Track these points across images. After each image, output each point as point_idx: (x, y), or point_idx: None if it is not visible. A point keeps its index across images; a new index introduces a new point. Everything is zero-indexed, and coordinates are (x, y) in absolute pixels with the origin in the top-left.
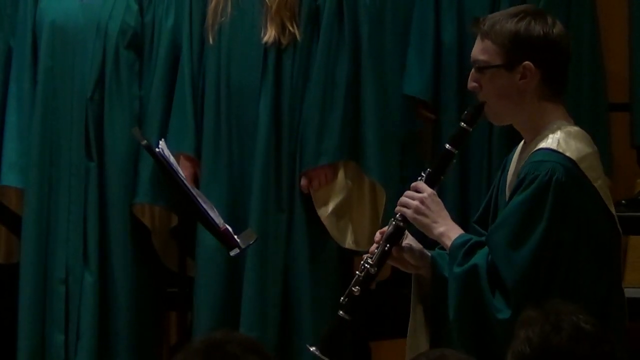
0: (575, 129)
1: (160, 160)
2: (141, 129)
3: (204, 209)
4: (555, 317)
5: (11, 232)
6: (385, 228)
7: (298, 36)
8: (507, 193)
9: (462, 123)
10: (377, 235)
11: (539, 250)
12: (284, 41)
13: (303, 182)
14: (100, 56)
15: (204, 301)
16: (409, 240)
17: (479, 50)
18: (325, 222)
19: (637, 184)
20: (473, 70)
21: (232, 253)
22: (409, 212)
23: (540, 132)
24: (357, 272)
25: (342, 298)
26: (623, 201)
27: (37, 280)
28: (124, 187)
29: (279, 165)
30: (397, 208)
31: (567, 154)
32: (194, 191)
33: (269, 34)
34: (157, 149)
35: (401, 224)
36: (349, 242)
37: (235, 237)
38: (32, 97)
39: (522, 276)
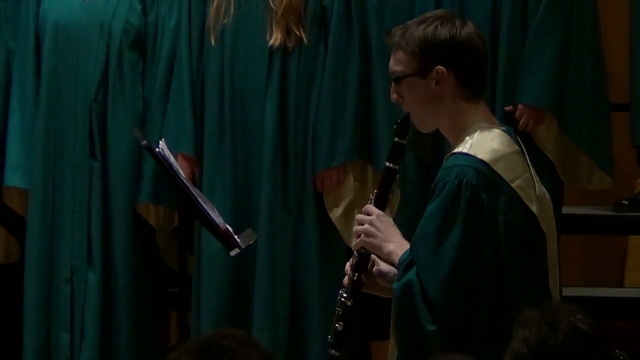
0: (494, 130)
1: (160, 160)
2: (144, 128)
3: (204, 208)
4: (552, 317)
5: (10, 232)
6: (351, 259)
7: (304, 39)
8: None
9: (395, 137)
10: (347, 267)
11: (458, 257)
12: (290, 44)
13: (317, 183)
14: (104, 56)
15: (208, 303)
16: (379, 264)
17: (394, 62)
18: (336, 224)
19: (637, 183)
20: (393, 82)
21: (232, 253)
22: (359, 239)
23: (461, 135)
24: (336, 308)
25: (329, 337)
26: (624, 201)
27: (42, 280)
28: (127, 187)
29: (286, 166)
30: (353, 235)
31: (480, 156)
32: (194, 191)
33: (275, 38)
34: (157, 149)
35: (363, 250)
36: None
37: (235, 237)
38: (35, 98)
39: (444, 284)
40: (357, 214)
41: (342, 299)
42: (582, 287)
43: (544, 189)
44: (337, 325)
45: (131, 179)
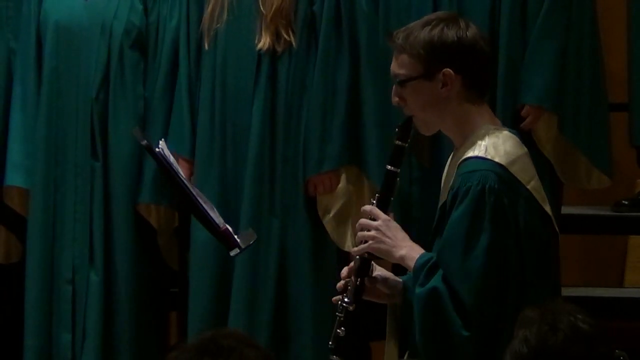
0: (503, 132)
1: (160, 160)
2: (145, 129)
3: (204, 208)
4: (553, 317)
5: (10, 232)
6: (352, 264)
7: (294, 43)
8: (441, 199)
9: (396, 141)
10: (344, 272)
11: (488, 261)
12: (279, 48)
13: (310, 188)
14: (105, 56)
15: (196, 301)
16: (378, 270)
17: (397, 65)
18: (327, 226)
19: (637, 184)
20: (395, 85)
21: (232, 253)
22: (367, 244)
23: (468, 137)
24: (337, 314)
25: (329, 343)
26: (624, 201)
27: (43, 280)
28: (128, 187)
29: (273, 170)
30: (358, 240)
31: (496, 159)
32: (195, 191)
33: (264, 41)
34: (157, 149)
35: (365, 255)
36: (348, 245)
37: (236, 237)
38: (36, 98)
39: (476, 290)
40: (355, 217)
41: (344, 304)
42: (582, 287)
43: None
44: (339, 330)
45: (132, 180)
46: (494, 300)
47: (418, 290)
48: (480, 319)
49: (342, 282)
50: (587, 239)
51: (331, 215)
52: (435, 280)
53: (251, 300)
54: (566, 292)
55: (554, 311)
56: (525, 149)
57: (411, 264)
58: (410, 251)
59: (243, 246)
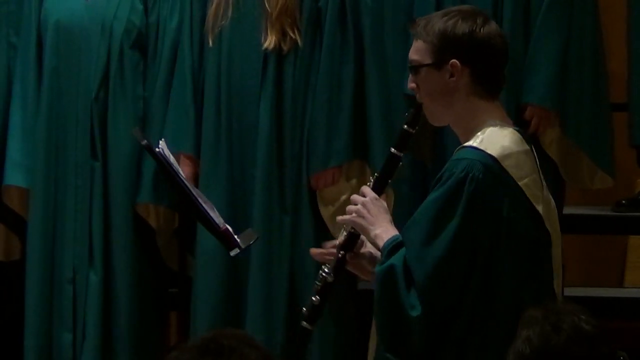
0: (506, 128)
1: (160, 160)
2: (145, 129)
3: (204, 208)
4: (556, 317)
5: (10, 230)
6: (340, 238)
7: (299, 41)
8: None
9: (405, 125)
10: (329, 243)
11: (451, 247)
12: (285, 47)
13: (312, 183)
14: (105, 56)
15: (203, 302)
16: (369, 247)
17: (413, 51)
18: (327, 221)
19: (637, 183)
20: (410, 71)
21: (232, 253)
22: (349, 217)
23: (474, 132)
24: (316, 282)
25: (303, 308)
26: (623, 201)
27: (44, 280)
28: (128, 187)
29: (282, 167)
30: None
31: (489, 151)
32: (194, 191)
33: (270, 40)
34: (157, 149)
35: (353, 230)
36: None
37: (236, 237)
38: (36, 97)
39: (432, 273)
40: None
41: (324, 275)
42: (582, 287)
43: (550, 196)
44: (313, 298)
45: (131, 180)
46: (450, 287)
47: (377, 268)
48: (432, 302)
49: (317, 250)
50: (587, 239)
51: (332, 210)
52: (395, 259)
53: (268, 300)
54: (566, 292)
55: (557, 311)
56: (527, 147)
57: (382, 244)
58: (384, 232)
59: (243, 246)
